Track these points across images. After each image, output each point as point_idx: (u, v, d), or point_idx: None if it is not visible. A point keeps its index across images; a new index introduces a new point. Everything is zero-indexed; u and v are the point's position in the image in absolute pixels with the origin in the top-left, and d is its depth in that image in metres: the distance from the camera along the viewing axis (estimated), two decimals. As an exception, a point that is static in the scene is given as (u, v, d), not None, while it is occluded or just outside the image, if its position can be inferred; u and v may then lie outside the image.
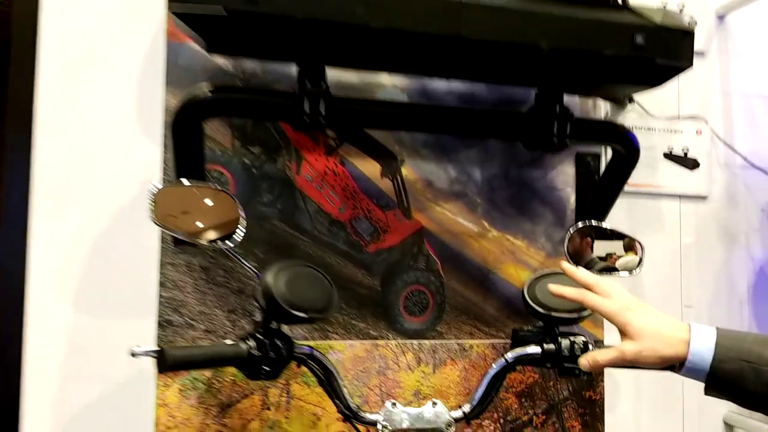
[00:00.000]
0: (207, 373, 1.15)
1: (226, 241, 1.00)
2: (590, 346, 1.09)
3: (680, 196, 1.53)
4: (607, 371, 1.39)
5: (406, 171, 1.33)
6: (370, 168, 1.31)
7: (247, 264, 1.05)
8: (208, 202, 1.02)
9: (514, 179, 1.41)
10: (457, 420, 1.07)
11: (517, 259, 1.39)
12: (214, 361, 0.94)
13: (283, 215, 1.25)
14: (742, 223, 1.56)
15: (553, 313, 1.10)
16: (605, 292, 0.88)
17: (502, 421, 1.32)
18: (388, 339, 1.28)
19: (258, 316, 1.01)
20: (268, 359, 0.95)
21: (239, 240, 1.00)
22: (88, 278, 1.14)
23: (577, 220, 1.43)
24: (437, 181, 1.35)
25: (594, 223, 1.28)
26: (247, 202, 1.22)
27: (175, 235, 0.97)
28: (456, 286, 1.34)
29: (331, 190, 1.29)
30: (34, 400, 1.09)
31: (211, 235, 1.00)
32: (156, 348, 0.89)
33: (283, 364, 0.97)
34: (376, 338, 1.27)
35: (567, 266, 0.96)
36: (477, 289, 1.35)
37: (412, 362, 1.28)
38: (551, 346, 1.10)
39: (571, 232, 1.28)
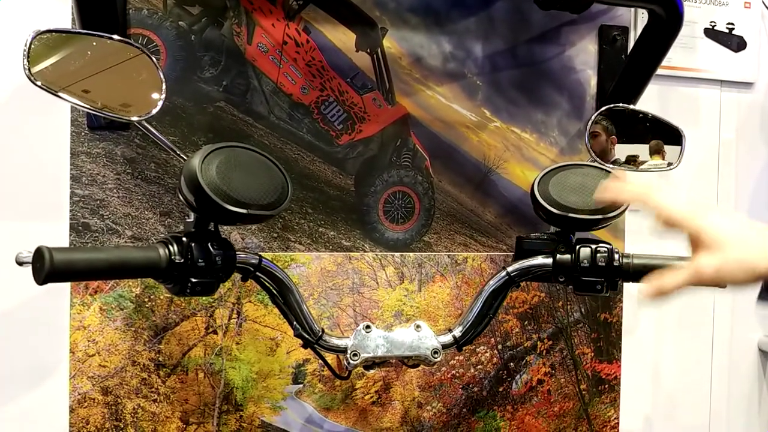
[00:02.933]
0: (136, 289, 0.90)
1: (137, 114, 0.71)
2: (616, 256, 0.83)
3: (721, 82, 1.23)
4: (625, 288, 1.13)
5: (388, 43, 1.02)
6: (342, 38, 1.00)
7: (170, 146, 0.76)
8: (113, 60, 0.72)
9: (523, 57, 1.10)
10: (445, 346, 0.83)
11: (523, 155, 1.10)
12: (119, 270, 0.67)
13: (230, 96, 0.95)
14: (794, 117, 1.26)
15: (572, 215, 0.83)
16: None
17: (500, 347, 1.07)
18: (364, 251, 1.01)
19: (190, 217, 0.74)
20: (196, 268, 0.69)
21: (153, 112, 0.71)
22: (-23, 171, 0.86)
23: (597, 109, 1.13)
24: (428, 57, 1.04)
25: (624, 106, 0.99)
26: (184, 78, 0.92)
27: (63, 99, 0.68)
28: (448, 188, 1.05)
29: (293, 64, 0.98)
30: None
31: (117, 103, 0.71)
32: (46, 248, 0.62)
33: (219, 275, 0.72)
34: (349, 249, 1.00)
35: (607, 194, 0.70)
36: (473, 192, 1.07)
37: (393, 278, 1.02)
38: (566, 256, 0.85)
39: (595, 118, 0.99)
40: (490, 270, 1.06)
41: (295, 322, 0.79)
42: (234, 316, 0.94)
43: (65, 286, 0.87)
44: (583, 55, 1.13)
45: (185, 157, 0.75)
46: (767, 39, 1.25)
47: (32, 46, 0.64)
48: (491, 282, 0.86)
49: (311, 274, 0.97)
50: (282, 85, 0.98)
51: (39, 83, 0.65)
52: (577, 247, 0.83)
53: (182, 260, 0.68)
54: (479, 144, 1.07)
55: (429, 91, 1.04)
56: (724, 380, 1.22)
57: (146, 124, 0.73)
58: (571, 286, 0.85)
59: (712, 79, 1.22)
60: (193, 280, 0.69)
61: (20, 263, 0.68)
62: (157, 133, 0.75)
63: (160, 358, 0.91)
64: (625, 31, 1.16)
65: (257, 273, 0.77)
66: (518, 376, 1.07)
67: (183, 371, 0.92)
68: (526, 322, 1.08)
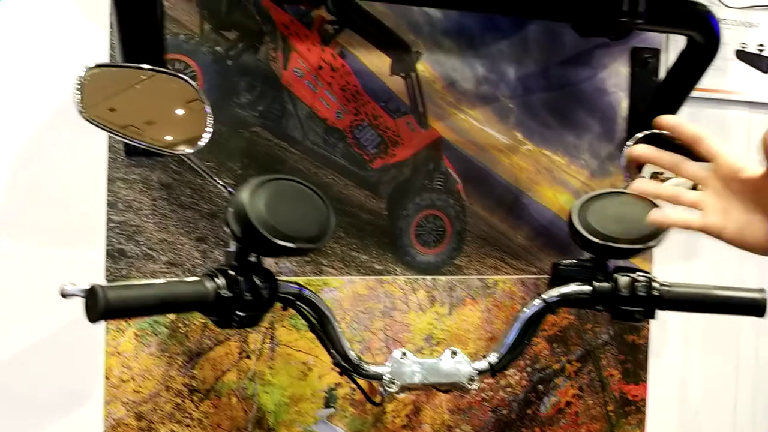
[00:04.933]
0: (171, 315, 0.86)
1: (184, 147, 0.68)
2: (655, 285, 0.79)
3: (750, 104, 1.18)
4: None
5: (422, 67, 0.98)
6: (377, 62, 0.96)
7: (216, 179, 0.73)
8: (160, 92, 0.69)
9: (555, 80, 1.05)
10: (481, 372, 0.79)
11: (554, 178, 1.05)
12: (169, 305, 0.64)
13: (266, 121, 0.91)
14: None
15: (612, 244, 0.79)
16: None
17: (529, 369, 1.03)
18: (396, 274, 0.97)
19: (232, 247, 0.71)
20: (243, 302, 0.66)
21: (202, 144, 0.68)
22: (15, 197, 0.82)
23: (629, 132, 1.09)
24: (461, 81, 1.00)
25: (661, 131, 0.94)
26: (220, 104, 0.88)
27: (112, 133, 0.65)
28: (479, 211, 1.01)
29: (328, 89, 0.94)
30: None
31: (163, 136, 0.68)
32: (85, 287, 0.59)
33: (263, 308, 0.69)
34: (381, 273, 0.96)
35: (664, 119, 0.65)
36: (505, 215, 1.02)
37: (424, 302, 0.98)
38: (605, 284, 0.81)
39: (632, 143, 0.94)
40: (520, 293, 1.02)
41: (333, 350, 0.76)
42: (267, 340, 0.90)
43: (101, 312, 0.84)
44: (615, 78, 1.08)
45: (223, 185, 0.71)
46: (797, 60, 1.19)
47: (85, 81, 0.61)
48: (527, 309, 0.82)
49: (343, 299, 0.94)
50: (317, 109, 0.94)
51: (91, 119, 0.62)
52: (615, 275, 0.80)
53: (230, 294, 0.65)
54: (511, 167, 1.03)
55: (462, 114, 1.00)
56: (748, 401, 1.18)
57: (192, 157, 0.70)
58: (608, 313, 0.82)
59: (741, 101, 1.17)
60: (240, 313, 0.66)
61: (64, 295, 0.65)
62: (200, 164, 0.72)
63: (194, 383, 0.87)
64: (656, 53, 1.10)
65: (297, 302, 0.74)
66: (547, 399, 1.04)
67: (216, 396, 0.88)
68: (555, 345, 1.04)
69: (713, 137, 0.60)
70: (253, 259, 0.70)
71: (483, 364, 0.80)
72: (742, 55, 1.17)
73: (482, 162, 1.01)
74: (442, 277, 0.99)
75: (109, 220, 0.85)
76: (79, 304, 0.63)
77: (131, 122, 0.65)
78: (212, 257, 0.89)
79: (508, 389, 1.02)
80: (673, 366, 1.12)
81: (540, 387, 1.03)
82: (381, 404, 0.89)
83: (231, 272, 0.66)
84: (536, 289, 1.02)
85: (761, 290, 0.78)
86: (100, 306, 0.56)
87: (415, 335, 0.97)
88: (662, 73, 1.10)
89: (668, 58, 1.10)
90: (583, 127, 1.06)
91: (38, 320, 0.82)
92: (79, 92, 0.61)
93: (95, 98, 0.63)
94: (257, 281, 0.67)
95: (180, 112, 0.70)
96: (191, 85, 0.69)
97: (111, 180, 0.85)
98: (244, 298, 0.65)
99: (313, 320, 0.75)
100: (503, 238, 1.02)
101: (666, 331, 1.12)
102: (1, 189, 0.82)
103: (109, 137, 0.84)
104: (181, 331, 0.87)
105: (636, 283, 0.78)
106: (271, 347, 0.90)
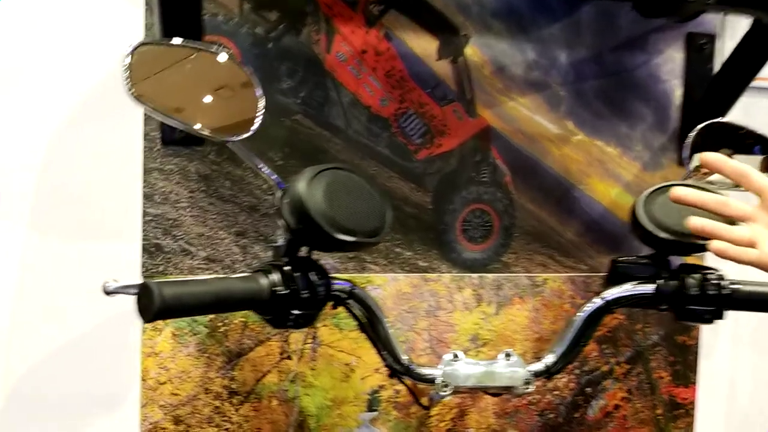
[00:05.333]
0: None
1: (231, 134, 0.63)
2: (725, 284, 0.74)
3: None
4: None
5: (470, 51, 0.92)
6: (423, 45, 0.90)
7: (265, 169, 0.67)
8: (208, 73, 0.64)
9: (608, 66, 0.99)
10: (537, 375, 0.75)
11: (606, 170, 1.00)
12: (223, 304, 0.59)
13: (308, 108, 0.86)
14: None
15: (681, 240, 0.74)
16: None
17: (577, 371, 0.98)
18: (441, 272, 0.92)
19: (281, 240, 0.66)
20: (299, 300, 0.61)
21: (252, 131, 0.63)
22: (46, 190, 0.77)
23: (683, 122, 1.03)
24: (511, 66, 0.94)
25: (726, 121, 0.88)
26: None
27: (160, 117, 0.59)
28: (528, 205, 0.96)
29: (372, 74, 0.88)
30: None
31: (212, 121, 0.62)
32: (139, 282, 0.55)
33: (319, 306, 0.64)
34: (425, 270, 0.91)
35: (708, 156, 0.62)
36: (554, 209, 0.97)
37: (470, 301, 0.93)
38: (671, 283, 0.76)
39: (695, 133, 0.88)
40: (570, 292, 0.97)
41: (384, 352, 0.72)
42: (309, 340, 0.86)
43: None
44: (670, 64, 1.02)
45: (267, 171, 0.66)
46: None
47: (133, 58, 0.55)
48: (586, 308, 0.77)
49: (387, 297, 0.89)
50: (360, 96, 0.88)
51: (139, 98, 0.56)
52: (683, 273, 0.75)
53: (285, 291, 0.60)
54: (561, 158, 0.97)
55: (511, 102, 0.94)
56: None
57: (239, 147, 0.64)
58: (672, 313, 0.77)
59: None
60: (295, 312, 0.61)
61: (108, 293, 0.60)
62: (248, 153, 0.66)
63: (234, 386, 0.83)
64: (711, 39, 1.04)
65: (348, 301, 0.69)
66: (594, 402, 0.99)
67: (256, 399, 0.84)
68: (604, 346, 0.99)
69: (757, 173, 0.59)
70: (302, 253, 0.66)
71: (539, 366, 0.75)
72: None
73: (531, 152, 0.95)
74: (489, 275, 0.94)
75: (145, 213, 0.80)
76: (116, 302, 0.58)
77: (177, 105, 0.60)
78: (252, 253, 0.84)
79: (556, 392, 0.97)
80: (723, 367, 1.07)
81: (588, 390, 0.99)
82: (429, 408, 0.84)
83: (286, 268, 0.61)
84: (586, 287, 0.97)
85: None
86: (156, 304, 0.51)
87: (461, 335, 0.92)
88: (717, 61, 1.03)
89: (723, 45, 1.04)
90: (636, 116, 1.00)
91: (71, 319, 0.78)
92: (127, 70, 0.55)
93: (142, 77, 0.57)
94: (313, 278, 0.62)
95: (229, 95, 0.64)
96: (241, 66, 0.63)
97: (147, 171, 0.80)
98: (301, 296, 0.61)
99: (362, 319, 0.70)
100: (552, 234, 0.97)
101: (716, 331, 1.06)
102: (33, 181, 0.77)
103: (146, 124, 0.79)
104: (221, 331, 0.82)
105: (706, 282, 0.73)
106: (312, 347, 0.86)
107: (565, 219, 0.97)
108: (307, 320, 0.63)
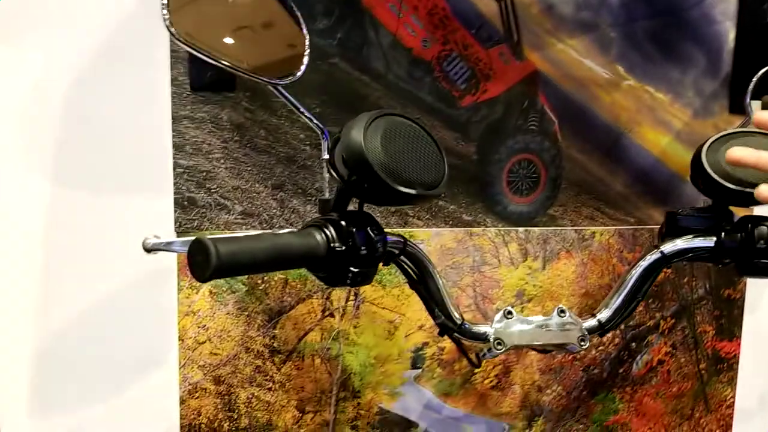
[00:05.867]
0: (248, 271, 0.77)
1: (281, 78, 0.57)
2: None
3: None
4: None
5: (518, -12, 0.85)
6: (468, -18, 0.83)
7: (310, 114, 0.62)
8: (250, 9, 0.57)
9: (660, 6, 0.92)
10: (591, 332, 0.72)
11: (656, 118, 0.94)
12: (278, 261, 0.54)
13: (345, 50, 0.80)
14: None
15: (749, 189, 0.69)
16: None
17: (623, 326, 0.95)
18: (486, 225, 0.87)
19: (328, 192, 0.62)
20: (358, 257, 0.57)
21: (301, 73, 0.57)
22: (68, 139, 0.72)
23: (735, 67, 0.97)
24: (559, 5, 0.87)
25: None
26: (295, 29, 0.76)
27: (205, 56, 0.53)
28: (576, 155, 0.91)
29: (413, 13, 0.82)
30: (6, 309, 0.72)
31: (258, 61, 0.56)
32: (191, 238, 0.50)
33: (377, 262, 0.59)
34: (470, 224, 0.87)
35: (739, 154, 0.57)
36: (603, 159, 0.92)
37: (517, 255, 0.89)
38: (735, 235, 0.71)
39: (757, 78, 0.83)
40: (618, 246, 0.93)
41: (437, 309, 0.68)
42: (351, 298, 0.82)
43: (172, 267, 0.75)
44: (723, 5, 0.95)
45: (312, 116, 0.60)
46: None
47: None
48: (642, 263, 0.73)
49: (431, 252, 0.84)
50: (401, 37, 0.82)
51: (179, 35, 0.50)
52: (749, 225, 0.70)
53: (343, 247, 0.55)
54: (611, 105, 0.91)
55: (560, 44, 0.88)
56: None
57: (284, 91, 0.59)
58: (736, 268, 0.73)
59: None
60: (354, 269, 0.56)
61: (149, 250, 0.56)
62: (293, 98, 0.61)
63: (275, 344, 0.79)
64: (769, -26, 0.97)
65: (401, 257, 0.65)
66: (639, 357, 0.96)
67: (299, 357, 0.80)
68: (650, 300, 0.96)
69: None
70: (353, 208, 0.61)
71: (593, 323, 0.72)
72: None
73: (580, 99, 0.90)
74: (536, 229, 0.89)
75: (176, 165, 0.75)
76: (151, 259, 0.54)
77: (221, 44, 0.54)
78: (291, 207, 0.79)
79: (600, 348, 0.94)
80: (767, 322, 1.04)
81: (633, 345, 0.96)
82: (479, 365, 0.81)
83: (342, 222, 0.56)
84: (634, 241, 0.93)
85: None
86: (212, 262, 0.46)
87: (506, 291, 0.89)
88: (775, -1, 0.97)
89: (780, -18, 0.97)
90: (687, 60, 0.94)
91: (104, 278, 0.73)
92: (166, 6, 0.49)
93: (182, 14, 0.51)
94: (371, 233, 0.58)
95: (273, 33, 0.58)
96: (285, 2, 0.57)
97: (176, 119, 0.74)
98: (360, 253, 0.56)
99: (414, 276, 0.66)
100: (600, 185, 0.92)
101: (761, 284, 1.03)
102: (54, 130, 0.71)
103: (173, 68, 0.73)
104: (260, 288, 0.78)
105: None
106: (355, 305, 0.82)
107: (614, 169, 0.92)
108: (365, 278, 0.58)
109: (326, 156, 0.64)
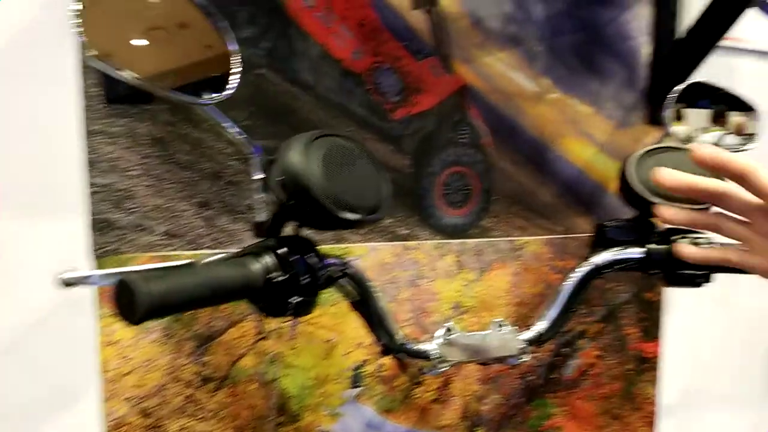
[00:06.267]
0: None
1: (207, 96, 0.54)
2: (713, 245, 0.74)
3: (760, 53, 1.14)
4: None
5: (446, 1, 0.85)
6: (398, -6, 0.83)
7: (239, 132, 0.59)
8: (172, 23, 0.54)
9: (582, 21, 0.96)
10: (529, 343, 0.73)
11: (580, 130, 0.97)
12: (216, 296, 0.50)
13: (272, 61, 0.77)
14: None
15: (678, 203, 0.72)
16: None
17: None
18: (422, 239, 0.87)
19: (262, 215, 0.59)
20: (299, 285, 0.54)
21: (231, 90, 0.54)
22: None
23: (652, 80, 1.02)
24: (488, 18, 0.89)
25: (706, 81, 0.87)
26: (220, 39, 0.73)
27: (119, 75, 0.49)
28: (506, 167, 0.92)
29: (343, 23, 0.80)
30: None
31: (179, 80, 0.53)
32: (113, 270, 0.46)
33: (318, 290, 0.57)
34: (405, 238, 0.86)
35: (703, 151, 0.54)
36: (532, 171, 0.94)
37: (452, 268, 0.89)
38: (662, 247, 0.74)
39: (675, 94, 0.87)
40: (548, 255, 0.95)
41: (379, 330, 0.67)
42: (287, 318, 0.79)
43: (89, 295, 0.69)
44: (637, 21, 1.00)
45: (241, 133, 0.58)
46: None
47: (83, 10, 0.45)
48: (576, 274, 0.75)
49: (368, 268, 0.83)
50: (331, 48, 0.80)
51: (98, 56, 0.46)
52: (673, 237, 0.74)
53: (282, 277, 0.53)
54: (538, 117, 0.94)
55: (488, 57, 0.89)
56: (758, 354, 1.19)
57: (212, 108, 0.55)
58: (664, 278, 0.76)
59: (750, 49, 1.13)
60: (294, 300, 0.54)
61: (68, 284, 0.51)
62: (221, 114, 0.57)
63: (206, 372, 0.75)
64: (676, -6, 1.03)
65: (341, 280, 0.63)
66: (571, 362, 0.99)
67: (232, 384, 0.76)
68: (580, 306, 0.99)
69: (764, 170, 0.51)
70: (288, 231, 0.59)
71: (531, 335, 0.73)
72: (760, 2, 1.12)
73: (509, 112, 0.91)
74: (470, 241, 0.90)
75: (91, 184, 0.69)
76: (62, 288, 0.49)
77: (137, 61, 0.50)
78: (218, 226, 0.75)
79: (535, 355, 0.96)
80: (686, 321, 1.10)
81: (564, 350, 0.98)
82: (420, 382, 0.81)
83: (281, 250, 0.54)
84: (563, 249, 0.96)
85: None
86: (142, 305, 0.42)
87: (443, 304, 0.88)
88: (682, 18, 1.03)
89: (690, 2, 1.03)
90: (607, 73, 0.98)
91: (16, 308, 0.67)
92: (78, 17, 0.45)
93: (95, 26, 0.47)
94: (312, 260, 0.55)
95: (196, 48, 0.55)
96: (208, 13, 0.54)
97: (90, 134, 0.69)
98: (301, 282, 0.54)
99: (356, 298, 0.65)
100: (530, 197, 0.94)
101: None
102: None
103: (84, 78, 0.68)
104: (188, 314, 0.73)
105: (698, 246, 0.73)
106: (291, 326, 0.79)
107: (543, 180, 0.94)
108: (307, 307, 0.56)
109: (258, 176, 0.61)
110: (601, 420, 1.01)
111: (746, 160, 0.51)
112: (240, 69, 0.55)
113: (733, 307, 1.14)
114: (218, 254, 0.54)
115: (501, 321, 0.73)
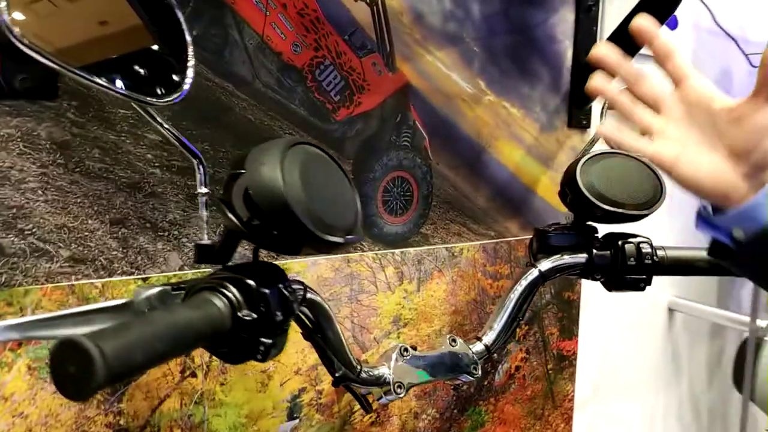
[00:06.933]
0: (83, 334, 0.60)
1: (156, 98, 0.44)
2: (657, 251, 0.78)
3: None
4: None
5: (390, -7, 0.79)
6: (340, -19, 0.75)
7: (184, 139, 0.49)
8: (117, 13, 0.42)
9: (515, 22, 0.95)
10: (479, 357, 0.72)
11: (511, 133, 0.97)
12: (178, 347, 0.40)
13: (203, 51, 0.66)
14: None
15: (621, 210, 0.74)
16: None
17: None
18: (363, 250, 0.81)
19: (205, 237, 0.51)
20: (273, 323, 0.46)
21: (186, 89, 0.45)
22: None
23: (572, 83, 1.05)
24: (428, 15, 0.84)
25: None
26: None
27: (55, 65, 0.37)
28: (444, 171, 0.89)
29: (282, 12, 0.71)
30: None
31: (126, 76, 0.42)
32: (23, 321, 0.36)
33: (286, 328, 0.50)
34: (347, 250, 0.80)
35: (639, 24, 0.50)
36: (468, 175, 0.92)
37: (393, 279, 0.84)
38: (606, 253, 0.77)
39: (603, 100, 0.89)
40: (482, 260, 0.94)
41: (335, 359, 0.61)
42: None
43: (-34, 342, 0.55)
44: (563, 25, 1.02)
45: (183, 140, 0.48)
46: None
47: None
48: (522, 282, 0.75)
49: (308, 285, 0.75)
50: (269, 39, 0.70)
51: (28, 44, 0.34)
52: (619, 242, 0.76)
53: (254, 315, 0.45)
54: (474, 120, 0.91)
55: (429, 56, 0.85)
56: (647, 343, 1.29)
57: (154, 112, 0.45)
58: (607, 283, 0.78)
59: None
60: (266, 340, 0.46)
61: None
62: (159, 116, 0.47)
63: (122, 421, 0.63)
64: (597, 0, 1.06)
65: (300, 307, 0.56)
66: (500, 367, 1.00)
67: (154, 431, 0.66)
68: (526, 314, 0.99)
69: (685, 57, 0.50)
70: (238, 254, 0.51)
71: (480, 347, 0.73)
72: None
73: (448, 114, 0.88)
74: (411, 250, 0.86)
75: (-30, 199, 0.54)
76: None
77: (74, 52, 0.39)
78: (136, 246, 0.63)
79: (469, 363, 0.95)
80: (600, 319, 1.17)
81: (495, 356, 0.99)
82: (372, 409, 0.75)
83: (249, 282, 0.45)
84: (495, 254, 0.95)
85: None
86: (98, 372, 0.32)
87: (383, 319, 0.84)
88: (602, 23, 1.06)
89: (611, 8, 1.07)
90: (536, 77, 0.99)
91: None
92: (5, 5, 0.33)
93: (25, 10, 0.35)
94: (285, 291, 0.48)
95: (144, 41, 0.44)
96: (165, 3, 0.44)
97: (-34, 136, 0.54)
98: (276, 319, 0.46)
99: (312, 326, 0.58)
100: (466, 201, 0.92)
101: (593, 284, 1.14)
102: None
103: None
104: (102, 355, 0.61)
105: (641, 251, 0.75)
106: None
107: (477, 185, 0.93)
108: (280, 347, 0.48)
109: (203, 190, 0.52)
110: (526, 421, 1.04)
111: (672, 43, 0.50)
112: (192, 66, 0.46)
113: (633, 301, 1.23)
114: (152, 285, 0.45)
115: (454, 337, 0.72)
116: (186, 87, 0.45)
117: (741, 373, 1.49)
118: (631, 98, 0.52)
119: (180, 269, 0.66)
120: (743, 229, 0.50)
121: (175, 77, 0.45)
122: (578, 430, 1.13)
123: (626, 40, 0.99)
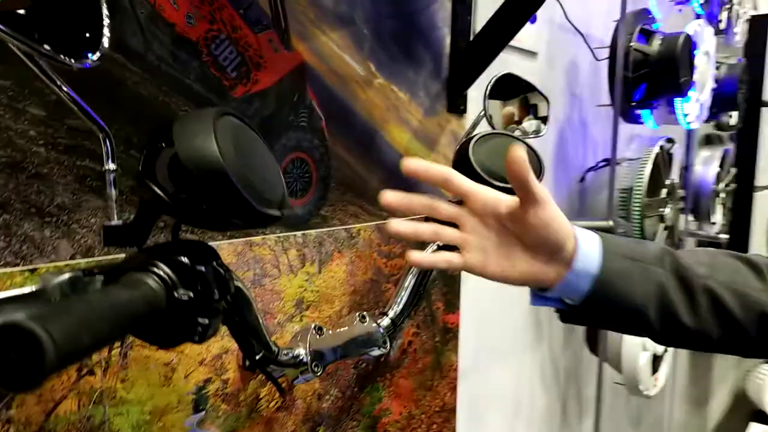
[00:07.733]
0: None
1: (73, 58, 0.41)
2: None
3: (518, 50, 1.34)
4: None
5: (285, -31, 0.78)
6: (235, -48, 0.73)
7: (92, 113, 0.46)
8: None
9: (400, 7, 0.99)
10: (387, 331, 0.77)
11: (399, 117, 1.01)
12: (121, 328, 0.37)
13: (88, 17, 0.60)
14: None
15: (502, 184, 0.81)
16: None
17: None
18: (265, 233, 0.80)
19: (115, 215, 0.49)
20: (211, 302, 0.45)
21: (102, 49, 0.42)
22: None
23: (450, 72, 1.11)
24: (323, -6, 0.84)
25: (514, 73, 0.98)
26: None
27: None
28: (341, 152, 0.90)
29: (176, -20, 0.67)
30: None
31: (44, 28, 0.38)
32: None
33: (222, 308, 0.49)
34: (249, 234, 0.78)
35: (409, 164, 0.56)
36: (362, 156, 0.94)
37: (296, 262, 0.84)
38: None
39: (491, 83, 0.96)
40: (377, 240, 0.97)
41: (253, 343, 0.61)
42: (116, 345, 0.65)
43: None
44: (442, 12, 1.08)
45: (87, 110, 0.45)
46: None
47: None
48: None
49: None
50: (161, 9, 0.66)
51: None
52: None
53: (190, 294, 0.43)
54: (367, 102, 0.94)
55: (323, 36, 0.85)
56: (512, 309, 1.42)
57: (62, 83, 0.41)
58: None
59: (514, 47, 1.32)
60: (203, 320, 0.45)
61: None
62: (73, 92, 0.43)
63: (12, 431, 0.57)
64: (471, -10, 1.14)
65: None
66: (395, 342, 1.04)
67: (49, 440, 0.60)
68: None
69: (461, 176, 0.56)
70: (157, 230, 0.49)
71: (386, 322, 0.77)
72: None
73: (343, 95, 0.89)
74: (312, 232, 0.86)
75: None
76: None
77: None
78: (20, 234, 0.57)
79: (367, 341, 0.98)
80: (478, 292, 1.26)
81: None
82: (287, 393, 0.76)
83: (182, 259, 0.44)
84: (388, 234, 0.99)
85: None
86: (48, 355, 0.30)
87: (286, 303, 0.83)
88: (477, 13, 1.14)
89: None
90: (420, 62, 1.04)
91: None
92: None
93: None
94: (220, 269, 0.47)
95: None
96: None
97: None
98: (213, 297, 0.45)
99: (229, 309, 0.58)
100: (362, 183, 0.94)
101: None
102: None
103: None
104: (-16, 359, 0.54)
105: None
106: (121, 353, 0.65)
107: (371, 166, 0.96)
108: (215, 327, 0.47)
109: (112, 166, 0.49)
110: (418, 394, 1.10)
111: (445, 168, 0.55)
112: (107, 32, 0.43)
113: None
114: (61, 271, 0.42)
115: (364, 313, 0.75)
116: (105, 45, 0.42)
117: (592, 335, 1.70)
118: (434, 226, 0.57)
119: (71, 258, 0.60)
120: (571, 298, 0.57)
121: (87, 34, 0.42)
122: (462, 396, 1.22)
123: (497, 32, 1.08)
